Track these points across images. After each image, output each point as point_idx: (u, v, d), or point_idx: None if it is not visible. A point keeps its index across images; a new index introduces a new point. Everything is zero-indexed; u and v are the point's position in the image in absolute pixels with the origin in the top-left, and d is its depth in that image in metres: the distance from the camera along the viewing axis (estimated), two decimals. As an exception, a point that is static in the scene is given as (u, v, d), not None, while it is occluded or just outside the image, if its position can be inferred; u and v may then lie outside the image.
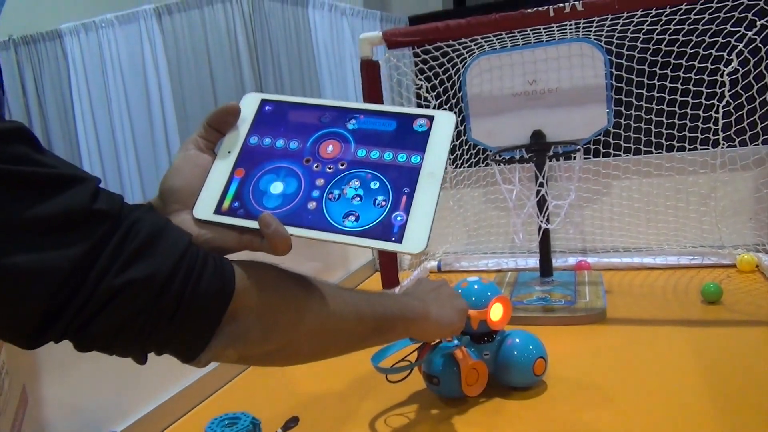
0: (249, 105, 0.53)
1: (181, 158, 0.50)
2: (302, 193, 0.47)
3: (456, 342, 0.74)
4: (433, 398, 0.76)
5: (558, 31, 1.03)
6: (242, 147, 0.50)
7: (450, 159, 1.25)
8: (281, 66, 3.49)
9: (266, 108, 0.52)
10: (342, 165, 0.48)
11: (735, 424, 0.63)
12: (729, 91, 0.99)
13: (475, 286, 0.78)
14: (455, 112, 1.19)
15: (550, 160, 1.06)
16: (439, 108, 1.21)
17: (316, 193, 0.47)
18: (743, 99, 0.99)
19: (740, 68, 0.97)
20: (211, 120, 0.51)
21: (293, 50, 3.57)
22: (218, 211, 0.48)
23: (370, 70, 1.06)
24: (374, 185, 0.46)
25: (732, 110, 1.01)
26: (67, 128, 3.81)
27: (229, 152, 0.50)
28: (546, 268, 1.13)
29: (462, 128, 1.12)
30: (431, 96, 1.17)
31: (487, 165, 1.26)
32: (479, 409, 0.73)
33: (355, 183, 0.47)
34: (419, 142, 0.47)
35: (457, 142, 1.23)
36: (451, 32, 1.02)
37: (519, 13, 0.98)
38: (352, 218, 0.45)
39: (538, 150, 1.08)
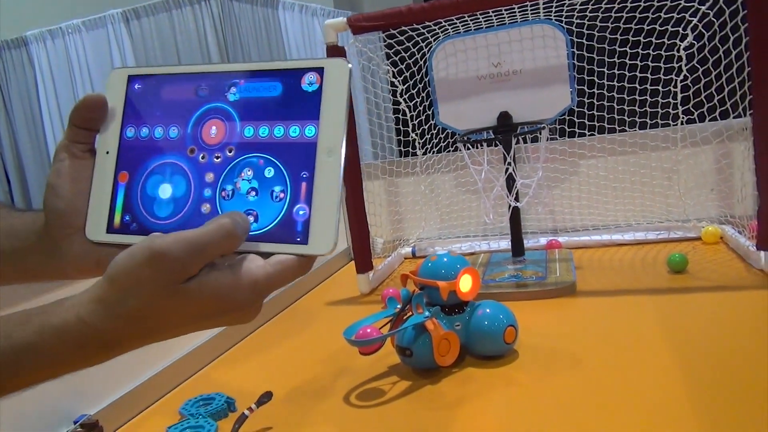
0: (117, 86, 0.44)
1: (54, 174, 0.43)
2: (193, 195, 0.41)
3: (427, 313, 0.75)
4: (406, 370, 0.77)
5: (520, 13, 1.05)
6: (120, 144, 0.43)
7: (420, 143, 1.27)
8: (253, 68, 3.48)
9: (136, 87, 0.44)
10: (230, 151, 0.40)
11: (699, 381, 0.65)
12: (686, 65, 1.02)
13: (444, 259, 0.79)
14: (422, 97, 1.21)
15: (518, 142, 1.08)
16: (405, 94, 1.22)
17: (208, 192, 0.40)
18: (699, 73, 1.02)
19: (695, 42, 0.99)
20: (74, 119, 0.43)
21: (265, 52, 3.57)
22: (111, 229, 0.42)
23: (335, 56, 1.07)
24: (269, 173, 0.39)
25: (690, 84, 1.03)
26: (36, 138, 3.75)
27: (108, 153, 0.43)
28: (518, 247, 1.15)
29: (430, 112, 1.14)
30: (398, 81, 1.18)
31: (456, 149, 1.28)
32: (452, 378, 0.74)
33: (248, 173, 0.40)
34: (311, 107, 0.39)
35: (426, 126, 1.25)
36: (414, 16, 1.04)
37: (481, -5, 1.00)
38: (251, 219, 0.39)
39: (505, 131, 1.09)
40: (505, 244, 1.26)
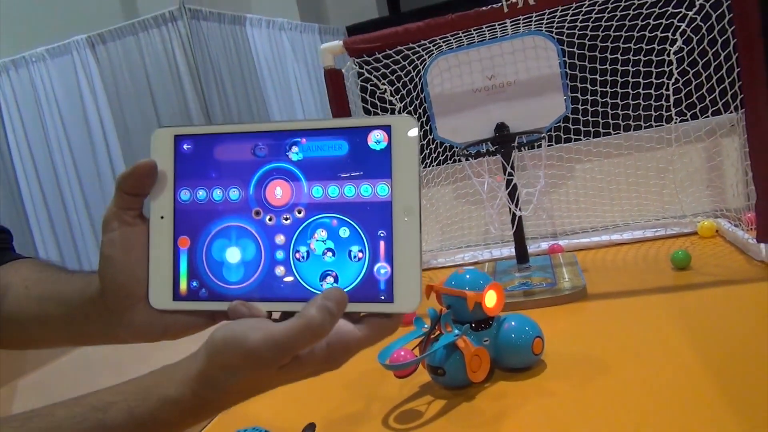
0: (163, 147, 0.43)
1: (107, 244, 0.42)
2: (265, 258, 0.41)
3: (456, 332, 0.76)
4: (438, 389, 0.78)
5: (511, 26, 1.08)
6: (174, 208, 0.42)
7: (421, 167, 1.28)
8: (225, 85, 3.47)
9: (184, 147, 0.43)
10: (299, 212, 0.40)
11: (728, 376, 0.67)
12: (676, 69, 1.06)
13: (467, 276, 0.81)
14: (419, 114, 1.22)
15: (520, 150, 1.10)
16: (404, 111, 1.23)
17: (280, 255, 0.40)
18: (690, 75, 1.06)
19: (685, 46, 1.03)
20: (125, 187, 0.42)
21: (235, 69, 3.56)
22: (177, 296, 0.42)
23: (334, 79, 1.08)
24: (344, 233, 0.39)
25: (681, 86, 1.07)
26: (5, 171, 3.67)
27: (162, 217, 0.42)
28: (522, 254, 1.17)
29: (428, 128, 1.15)
30: (396, 99, 1.19)
31: (454, 161, 1.30)
32: (486, 393, 0.75)
33: (322, 234, 0.40)
34: (381, 165, 0.39)
35: (424, 142, 1.26)
36: (409, 36, 1.05)
37: (474, 12, 1.02)
38: (330, 279, 0.39)
39: (503, 141, 1.11)
40: (507, 251, 1.28)
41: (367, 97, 1.20)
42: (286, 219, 0.41)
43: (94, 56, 3.48)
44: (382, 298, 0.38)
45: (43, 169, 3.57)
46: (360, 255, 0.39)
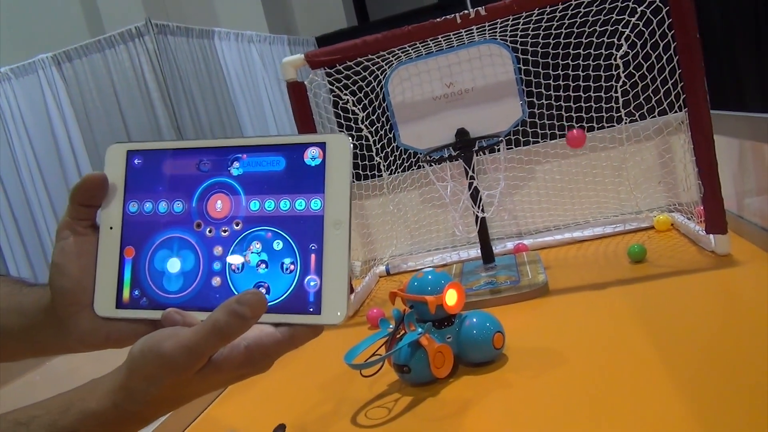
0: (116, 161, 0.45)
1: (59, 252, 0.44)
2: (203, 268, 0.42)
3: (420, 330, 0.79)
4: (406, 386, 0.81)
5: (466, 35, 1.12)
6: (123, 219, 0.44)
7: (384, 166, 1.31)
8: (195, 100, 3.47)
9: (135, 161, 0.45)
10: (237, 225, 0.42)
11: (676, 360, 0.72)
12: (623, 72, 1.11)
13: (429, 277, 0.84)
14: (383, 122, 1.26)
15: (477, 155, 1.14)
16: (366, 120, 1.27)
17: (217, 266, 0.42)
18: (636, 78, 1.11)
19: (630, 51, 1.08)
20: (76, 197, 0.44)
21: (205, 83, 3.56)
22: (120, 304, 0.43)
23: (297, 92, 1.10)
24: (277, 246, 0.41)
25: (629, 89, 1.13)
26: (-27, 195, 3.61)
27: (111, 228, 0.44)
28: (488, 254, 1.21)
29: (392, 135, 1.19)
30: (359, 109, 1.23)
31: (419, 167, 1.33)
32: (450, 388, 0.79)
33: (257, 246, 0.41)
34: (315, 180, 0.40)
35: (389, 149, 1.29)
36: (369, 47, 1.08)
37: (429, 23, 1.05)
38: (263, 291, 0.40)
39: (464, 146, 1.15)
40: (475, 252, 1.32)
41: (330, 107, 1.23)
42: (225, 231, 0.42)
43: (61, 74, 3.46)
44: (311, 309, 0.40)
45: (12, 189, 3.53)
46: (292, 267, 0.40)
